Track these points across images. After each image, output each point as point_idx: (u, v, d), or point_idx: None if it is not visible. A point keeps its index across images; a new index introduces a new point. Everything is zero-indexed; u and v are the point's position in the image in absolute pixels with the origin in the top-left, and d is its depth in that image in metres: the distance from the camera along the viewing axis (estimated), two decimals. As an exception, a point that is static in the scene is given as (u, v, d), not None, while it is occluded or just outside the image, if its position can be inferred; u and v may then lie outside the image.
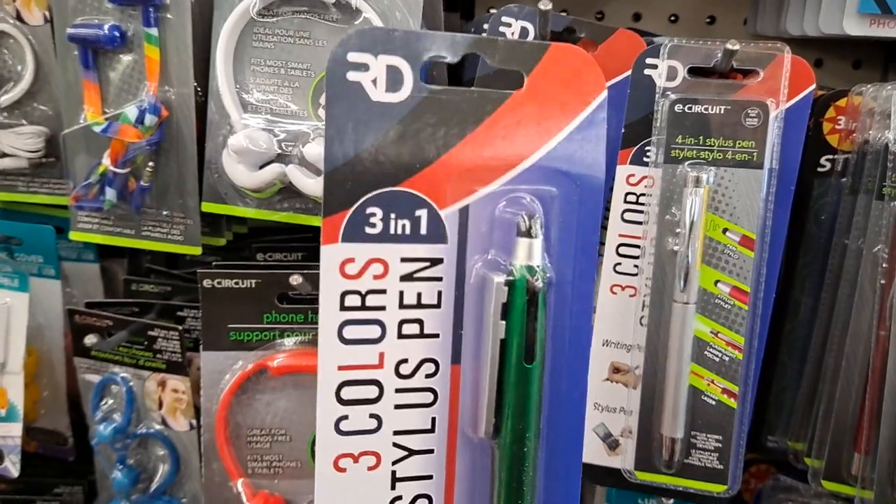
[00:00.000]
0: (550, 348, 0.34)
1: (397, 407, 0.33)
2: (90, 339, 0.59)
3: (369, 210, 0.33)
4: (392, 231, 0.33)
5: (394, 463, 0.33)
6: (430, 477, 0.33)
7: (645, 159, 0.50)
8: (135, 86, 0.57)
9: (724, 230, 0.48)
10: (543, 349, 0.33)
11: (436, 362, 0.33)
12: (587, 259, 0.34)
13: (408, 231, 0.33)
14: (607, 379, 0.53)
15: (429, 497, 0.33)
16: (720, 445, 0.49)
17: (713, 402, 0.49)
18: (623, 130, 0.51)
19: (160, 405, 0.61)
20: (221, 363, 0.56)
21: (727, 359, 0.49)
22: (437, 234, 0.33)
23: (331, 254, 0.32)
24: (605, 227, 0.53)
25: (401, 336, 0.33)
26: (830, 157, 0.56)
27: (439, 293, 0.33)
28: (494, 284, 0.32)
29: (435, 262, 0.33)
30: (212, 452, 0.56)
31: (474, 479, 0.32)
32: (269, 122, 0.54)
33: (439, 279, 0.33)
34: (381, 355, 0.33)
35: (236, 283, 0.55)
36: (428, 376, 0.33)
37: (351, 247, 0.33)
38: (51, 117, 0.62)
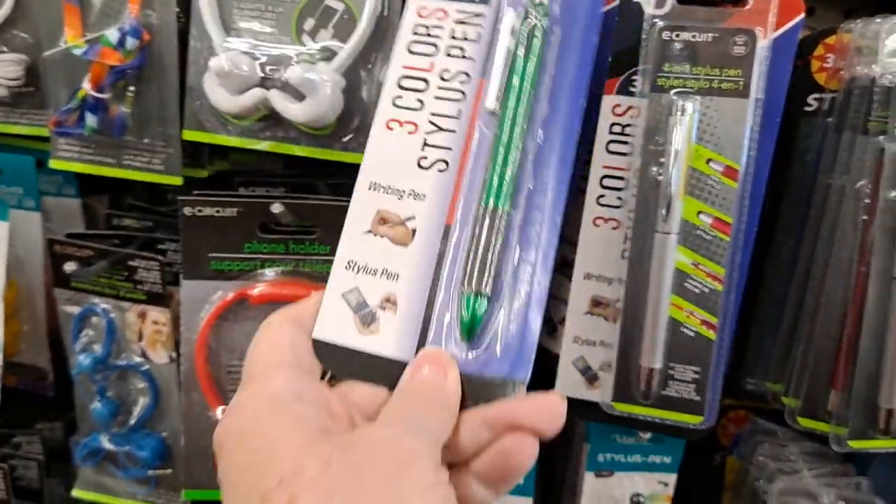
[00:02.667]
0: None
1: (436, 98, 0.44)
2: (70, 268, 0.59)
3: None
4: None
5: (426, 133, 0.43)
6: (449, 148, 0.43)
7: (631, 89, 0.50)
8: (116, 9, 0.56)
9: (708, 160, 0.48)
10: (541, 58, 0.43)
11: (468, 74, 0.44)
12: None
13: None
14: (588, 312, 0.53)
15: (446, 161, 0.43)
16: (698, 377, 0.49)
17: (692, 334, 0.49)
18: (610, 59, 0.50)
19: (140, 337, 0.61)
20: (201, 292, 0.56)
21: (707, 290, 0.49)
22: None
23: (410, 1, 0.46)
24: (588, 162, 0.53)
25: (447, 55, 0.45)
26: (818, 95, 0.56)
27: (479, 33, 0.45)
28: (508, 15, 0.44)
29: (478, 14, 0.45)
30: (191, 381, 0.56)
31: (480, 152, 0.42)
32: (252, 46, 0.53)
33: (480, 25, 0.45)
34: (432, 64, 0.44)
35: (217, 212, 0.54)
36: (461, 82, 0.44)
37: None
38: (31, 45, 0.61)
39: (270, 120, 0.55)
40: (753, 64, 0.47)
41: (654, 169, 0.49)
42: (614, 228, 0.52)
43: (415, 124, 0.44)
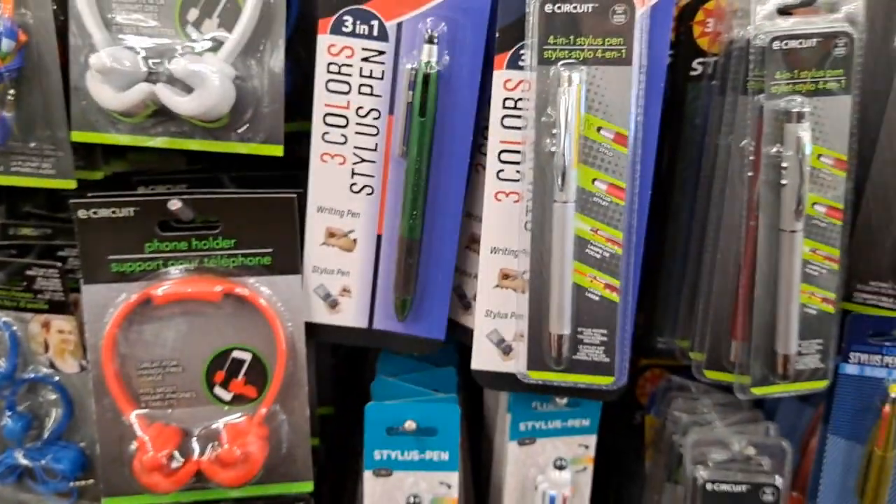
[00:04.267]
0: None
1: (356, 133, 0.54)
2: (-37, 279, 0.57)
3: (345, 17, 0.53)
4: (357, 31, 0.53)
5: (353, 164, 0.55)
6: (372, 176, 0.55)
7: (520, 63, 0.51)
8: (-12, 10, 0.53)
9: (599, 128, 0.49)
10: (434, 111, 0.52)
11: (379, 111, 0.54)
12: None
13: (366, 32, 0.53)
14: (497, 286, 0.54)
15: (371, 187, 0.55)
16: (606, 339, 0.51)
17: (597, 298, 0.51)
18: (497, 35, 0.51)
19: (46, 348, 0.59)
20: (104, 296, 0.54)
21: (608, 255, 0.50)
22: (382, 36, 0.53)
23: (322, 41, 0.53)
24: (486, 138, 0.54)
25: (360, 93, 0.53)
26: (702, 60, 0.57)
27: (382, 71, 0.53)
28: (407, 71, 0.52)
29: (380, 52, 0.53)
30: (101, 388, 0.55)
31: (398, 184, 0.54)
32: (135, 40, 0.52)
33: (383, 63, 0.53)
34: (349, 102, 0.54)
35: (113, 213, 0.53)
36: (375, 118, 0.54)
37: (334, 38, 0.53)
38: None
39: (162, 116, 0.54)
40: (633, 32, 0.48)
41: (548, 140, 0.50)
42: (515, 202, 0.53)
43: (343, 157, 0.55)
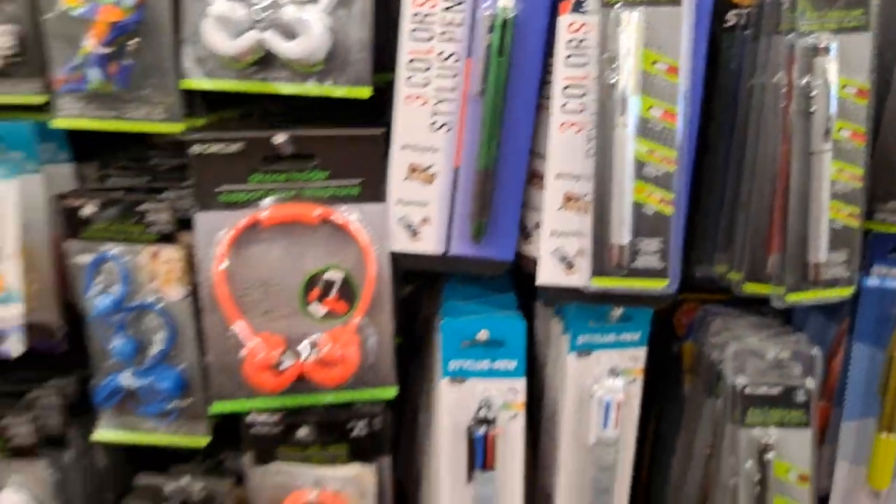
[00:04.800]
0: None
1: (437, 76, 0.61)
2: (88, 211, 0.63)
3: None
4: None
5: (434, 104, 0.62)
6: (451, 114, 0.62)
7: (582, 9, 0.58)
8: (110, -30, 0.61)
9: (654, 62, 0.57)
10: (510, 52, 0.59)
11: (458, 55, 0.61)
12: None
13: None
14: (561, 208, 0.61)
15: (450, 125, 0.62)
16: (661, 247, 0.58)
17: (652, 212, 0.58)
18: (562, -17, 0.58)
19: (153, 277, 0.66)
20: (214, 222, 0.61)
21: (662, 172, 0.57)
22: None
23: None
24: (549, 82, 0.61)
25: (441, 39, 0.61)
26: (736, 11, 0.65)
27: (462, 18, 0.61)
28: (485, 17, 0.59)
29: (460, 2, 0.61)
30: (210, 304, 0.62)
31: (474, 121, 0.61)
32: (245, -9, 0.59)
33: (462, 11, 0.61)
34: (431, 48, 0.61)
35: (223, 148, 0.60)
36: (455, 62, 0.61)
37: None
38: (21, 15, 0.65)
39: (263, 63, 0.61)
40: (683, -23, 0.55)
41: (609, 74, 0.57)
42: (577, 132, 0.60)
43: (425, 98, 0.62)
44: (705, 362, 0.72)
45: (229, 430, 0.70)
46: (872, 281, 0.65)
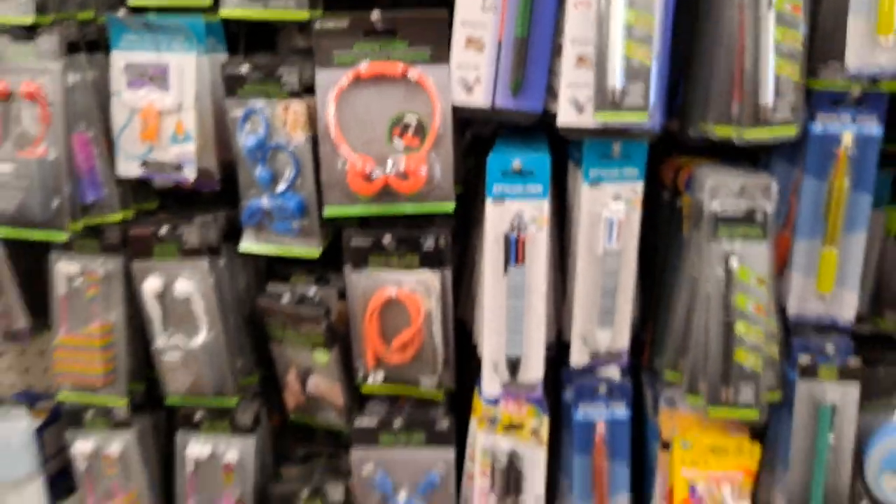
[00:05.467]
0: None
1: None
2: (243, 70, 0.91)
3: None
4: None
5: None
6: None
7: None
8: None
9: (639, -47, 0.79)
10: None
11: None
12: None
13: None
14: (575, 66, 0.84)
15: (497, 6, 0.86)
16: (643, 90, 0.80)
17: (638, 64, 0.80)
18: None
19: (285, 125, 0.93)
20: (330, 77, 0.88)
21: (645, 34, 0.80)
22: None
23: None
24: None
25: None
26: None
27: None
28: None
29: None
30: (325, 136, 0.88)
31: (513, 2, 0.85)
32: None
33: None
34: None
35: (336, 24, 0.87)
36: None
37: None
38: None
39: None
40: None
41: (607, -38, 0.80)
42: (587, 8, 0.83)
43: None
44: (696, 206, 0.93)
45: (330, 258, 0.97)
46: (817, 127, 0.85)
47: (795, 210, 0.89)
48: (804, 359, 0.90)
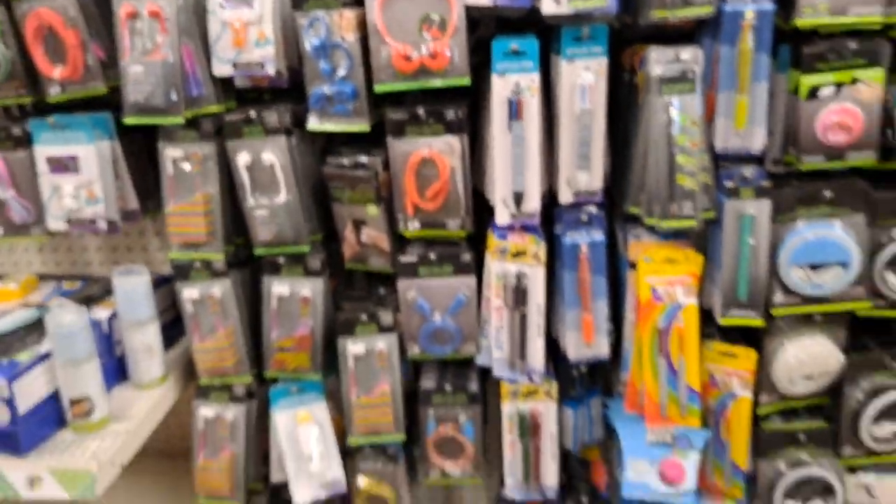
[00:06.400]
0: None
1: None
2: (310, -12, 1.24)
3: None
4: None
5: None
6: None
7: None
8: None
9: None
10: None
11: None
12: None
13: None
14: (553, -29, 1.17)
15: None
16: (601, -17, 1.13)
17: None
18: None
19: (340, 28, 1.26)
20: (375, -11, 1.20)
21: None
22: None
23: None
24: None
25: None
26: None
27: None
28: None
29: None
30: (375, 32, 1.21)
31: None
32: None
33: None
34: None
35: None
36: None
37: None
38: None
39: None
40: None
41: None
42: (560, -71, 1.16)
43: None
44: (646, 76, 1.26)
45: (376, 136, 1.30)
46: (728, 6, 1.18)
47: (717, 73, 1.22)
48: (729, 183, 1.23)
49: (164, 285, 1.50)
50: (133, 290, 1.38)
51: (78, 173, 1.33)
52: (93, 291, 1.48)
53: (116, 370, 1.42)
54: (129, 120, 1.28)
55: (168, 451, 1.84)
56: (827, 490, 1.36)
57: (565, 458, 1.54)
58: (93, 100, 1.32)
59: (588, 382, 1.51)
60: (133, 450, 1.32)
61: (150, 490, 1.75)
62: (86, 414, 1.28)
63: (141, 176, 1.44)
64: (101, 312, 1.40)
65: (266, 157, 1.31)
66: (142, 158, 1.44)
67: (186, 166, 1.35)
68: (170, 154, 1.35)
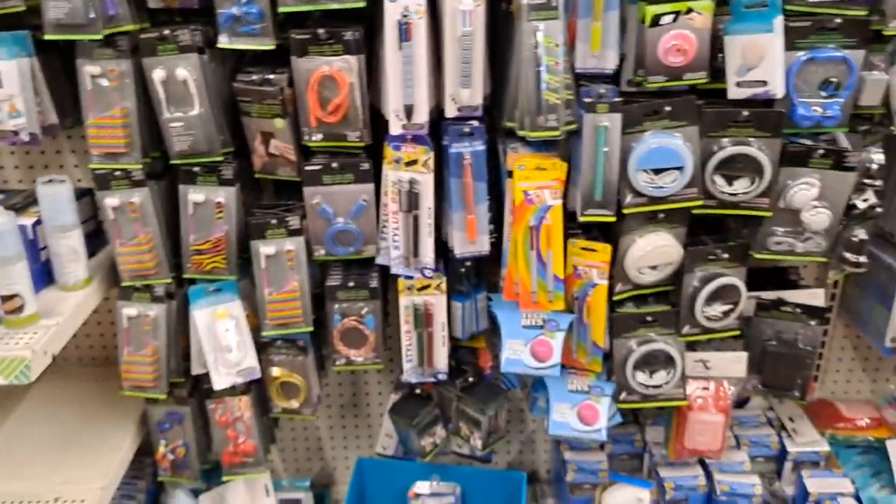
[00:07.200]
0: None
1: None
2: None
3: None
4: None
5: None
6: None
7: None
8: None
9: None
10: None
11: None
12: None
13: None
14: None
15: None
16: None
17: None
18: None
19: (247, -44, 1.39)
20: (278, -81, 1.34)
21: None
22: None
23: None
24: None
25: None
26: None
27: None
28: None
29: None
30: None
31: None
32: None
33: None
34: None
35: None
36: None
37: None
38: None
39: None
40: None
41: None
42: None
43: None
44: (518, 4, 1.45)
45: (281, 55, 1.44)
46: (585, -54, 1.38)
47: (578, 2, 1.43)
48: (588, 99, 1.45)
49: (83, 198, 1.61)
50: (57, 196, 1.49)
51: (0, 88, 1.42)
52: (16, 201, 1.58)
53: (43, 274, 1.54)
54: (49, 35, 1.38)
55: (94, 357, 1.98)
56: (669, 361, 1.63)
57: (456, 346, 1.77)
58: (12, 17, 1.41)
59: (475, 280, 1.73)
60: (62, 342, 1.45)
61: (79, 391, 1.88)
62: (17, 310, 1.41)
63: (59, 93, 1.54)
64: (26, 220, 1.51)
65: (180, 72, 1.44)
66: (60, 76, 1.53)
67: (104, 82, 1.46)
68: (88, 70, 1.46)
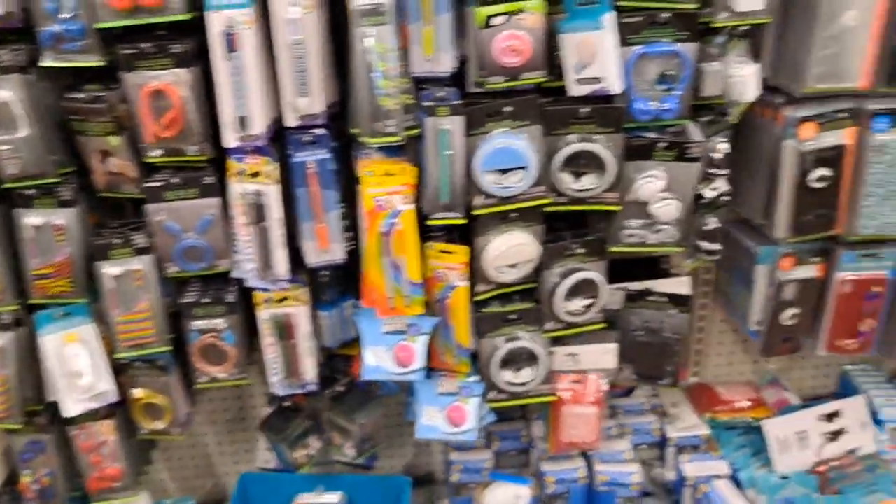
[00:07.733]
0: None
1: None
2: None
3: None
4: None
5: None
6: None
7: None
8: None
9: None
10: None
11: None
12: None
13: None
14: (251, -84, 1.31)
15: None
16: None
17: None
18: None
19: (62, -30, 1.34)
20: (87, -69, 1.30)
21: None
22: None
23: None
24: None
25: None
26: None
27: None
28: None
29: None
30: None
31: None
32: None
33: None
34: None
35: None
36: None
37: None
38: None
39: None
40: None
41: None
42: None
43: None
44: (350, 10, 1.43)
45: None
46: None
47: (408, 7, 1.42)
48: (428, 103, 1.44)
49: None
50: None
51: None
52: None
53: None
54: None
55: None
56: (532, 357, 1.64)
57: (332, 354, 1.75)
58: None
59: (342, 288, 1.71)
60: None
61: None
62: None
63: None
64: None
65: (2, 94, 1.39)
66: None
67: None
68: None
